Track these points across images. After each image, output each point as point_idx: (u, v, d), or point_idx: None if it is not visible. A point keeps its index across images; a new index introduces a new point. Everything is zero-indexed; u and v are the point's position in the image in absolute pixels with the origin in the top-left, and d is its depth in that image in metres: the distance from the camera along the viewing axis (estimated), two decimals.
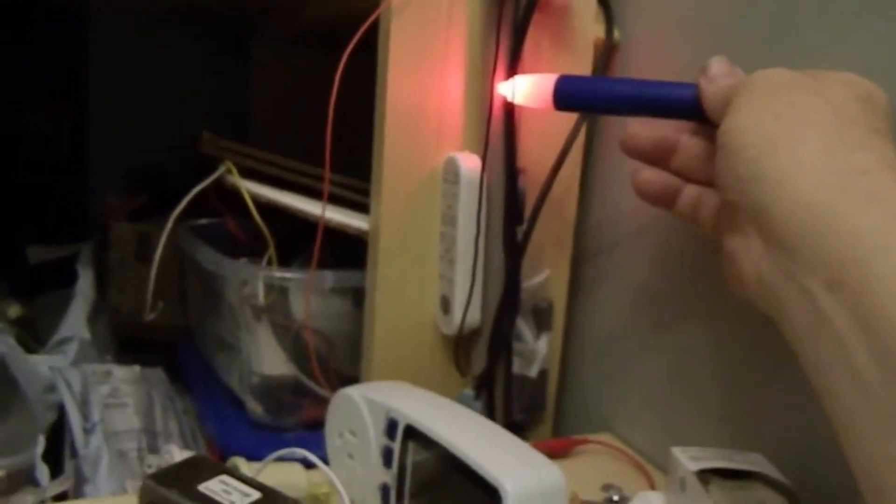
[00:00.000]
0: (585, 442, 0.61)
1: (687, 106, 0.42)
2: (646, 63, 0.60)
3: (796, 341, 0.33)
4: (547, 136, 0.60)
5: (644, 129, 0.45)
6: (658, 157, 0.46)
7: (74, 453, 0.63)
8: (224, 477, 0.38)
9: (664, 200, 0.47)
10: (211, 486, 0.37)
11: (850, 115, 0.34)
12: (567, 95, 0.49)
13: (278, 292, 0.64)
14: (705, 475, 0.44)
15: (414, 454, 0.44)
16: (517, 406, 0.64)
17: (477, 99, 0.59)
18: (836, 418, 0.31)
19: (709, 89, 0.41)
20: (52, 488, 0.37)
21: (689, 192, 0.45)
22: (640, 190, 0.47)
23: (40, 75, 1.08)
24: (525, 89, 0.52)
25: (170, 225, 0.65)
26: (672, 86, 0.44)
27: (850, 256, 0.30)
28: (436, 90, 0.58)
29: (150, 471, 0.38)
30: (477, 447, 0.39)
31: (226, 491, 0.37)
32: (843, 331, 0.29)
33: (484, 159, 0.57)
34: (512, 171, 0.58)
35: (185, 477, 0.37)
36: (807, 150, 0.33)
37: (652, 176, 0.46)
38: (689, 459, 0.46)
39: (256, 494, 0.37)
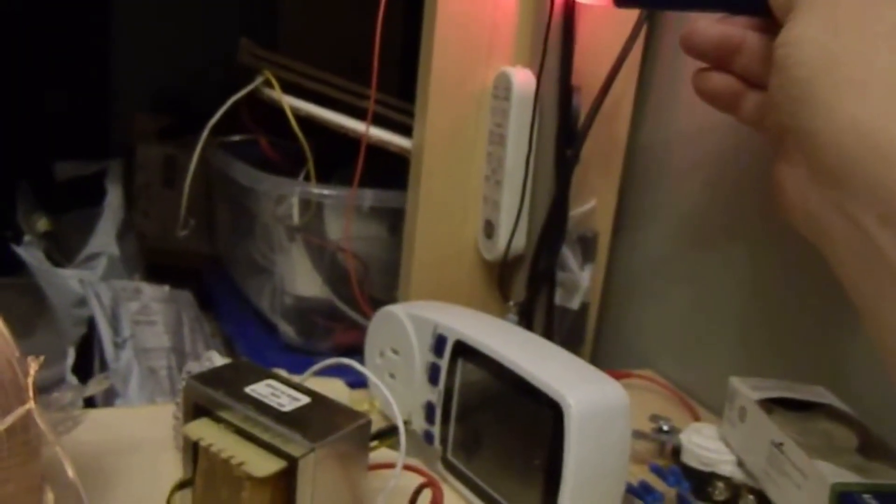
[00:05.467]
0: (628, 376, 0.59)
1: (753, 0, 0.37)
2: None
3: (846, 275, 0.31)
4: (603, 53, 0.57)
5: (707, 25, 0.40)
6: (721, 57, 0.40)
7: (105, 367, 0.62)
8: (271, 381, 0.36)
9: (725, 103, 0.42)
10: (258, 389, 0.35)
11: None
12: None
13: (314, 211, 0.62)
14: (767, 405, 0.42)
15: (463, 371, 0.42)
16: (556, 339, 0.62)
17: (532, 8, 0.55)
18: (892, 354, 0.28)
19: None
20: (92, 386, 0.36)
21: (753, 97, 0.40)
22: (699, 88, 0.42)
23: None
24: None
25: (206, 134, 0.62)
26: None
27: None
28: None
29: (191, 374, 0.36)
30: (535, 362, 0.37)
31: (273, 394, 0.35)
32: None
33: (539, 73, 0.54)
34: (567, 89, 0.55)
35: (230, 379, 0.36)
36: (869, 69, 0.29)
37: (713, 76, 0.41)
38: (749, 389, 0.44)
39: (306, 399, 0.35)
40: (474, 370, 0.41)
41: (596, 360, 0.69)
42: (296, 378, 0.44)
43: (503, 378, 0.38)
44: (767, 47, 0.38)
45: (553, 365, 0.38)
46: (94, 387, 0.36)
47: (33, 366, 0.28)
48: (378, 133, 0.59)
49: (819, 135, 0.30)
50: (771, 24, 0.37)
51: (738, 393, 0.44)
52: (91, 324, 0.64)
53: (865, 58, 0.30)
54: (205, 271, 0.90)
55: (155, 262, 0.91)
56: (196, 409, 0.35)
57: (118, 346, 0.61)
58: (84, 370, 0.64)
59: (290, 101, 0.61)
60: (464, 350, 0.42)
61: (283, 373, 0.44)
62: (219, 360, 0.41)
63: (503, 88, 0.55)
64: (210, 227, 0.91)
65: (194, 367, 0.40)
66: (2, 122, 0.98)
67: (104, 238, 0.72)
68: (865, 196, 0.28)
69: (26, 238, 0.70)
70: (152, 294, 0.68)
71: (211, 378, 0.36)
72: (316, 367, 0.42)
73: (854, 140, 0.29)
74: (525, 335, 0.43)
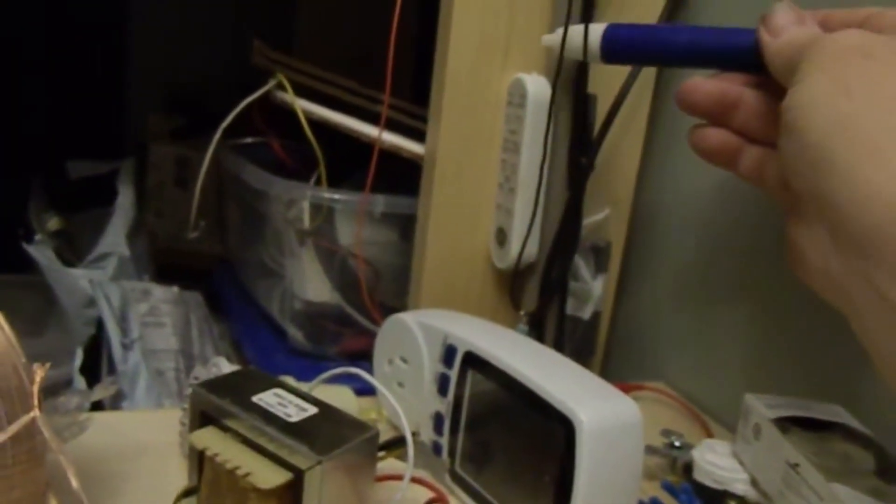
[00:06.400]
0: (640, 388, 0.59)
1: (746, 57, 0.37)
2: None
3: (869, 339, 0.29)
4: None
5: (703, 82, 0.39)
6: (718, 113, 0.40)
7: (112, 369, 0.62)
8: (278, 390, 0.36)
9: (724, 160, 0.41)
10: (265, 398, 0.35)
11: None
12: (616, 47, 0.43)
13: (325, 215, 0.62)
14: (782, 424, 0.41)
15: (473, 383, 0.41)
16: (567, 349, 0.61)
17: (548, 14, 0.54)
18: None
19: (772, 45, 0.35)
20: (99, 391, 0.35)
21: (752, 153, 0.39)
22: (696, 145, 0.41)
23: None
24: (570, 41, 0.47)
25: (218, 135, 0.62)
26: (731, 33, 0.38)
27: None
28: (505, 5, 0.54)
29: (198, 381, 0.36)
30: (547, 376, 0.37)
31: (281, 404, 0.34)
32: None
33: (555, 81, 0.53)
34: (582, 96, 0.54)
35: (237, 387, 0.35)
36: (884, 131, 0.28)
37: (710, 132, 0.40)
38: (764, 406, 0.43)
39: (313, 409, 0.34)
40: (484, 382, 0.40)
41: (607, 370, 0.68)
42: (303, 386, 0.44)
43: (514, 391, 0.38)
44: (765, 103, 0.38)
45: (565, 379, 0.37)
46: (101, 392, 0.35)
47: (39, 372, 0.28)
48: (391, 138, 0.58)
49: (839, 202, 0.29)
50: (768, 81, 0.36)
51: (753, 410, 0.43)
52: (99, 325, 0.64)
53: (879, 119, 0.28)
54: (215, 273, 0.90)
55: (165, 262, 0.91)
56: (202, 417, 0.35)
57: (126, 347, 0.61)
58: (92, 371, 0.63)
59: (302, 105, 0.61)
60: (474, 361, 0.41)
61: (290, 381, 0.44)
62: (226, 366, 0.41)
63: (518, 95, 0.54)
64: (221, 228, 0.91)
65: (202, 372, 0.40)
66: (16, 120, 0.98)
67: (115, 238, 0.72)
68: (892, 267, 0.27)
69: (37, 236, 0.70)
70: (161, 295, 0.68)
71: (218, 386, 0.35)
72: (324, 375, 0.41)
73: (878, 209, 0.27)
74: (536, 347, 0.43)
